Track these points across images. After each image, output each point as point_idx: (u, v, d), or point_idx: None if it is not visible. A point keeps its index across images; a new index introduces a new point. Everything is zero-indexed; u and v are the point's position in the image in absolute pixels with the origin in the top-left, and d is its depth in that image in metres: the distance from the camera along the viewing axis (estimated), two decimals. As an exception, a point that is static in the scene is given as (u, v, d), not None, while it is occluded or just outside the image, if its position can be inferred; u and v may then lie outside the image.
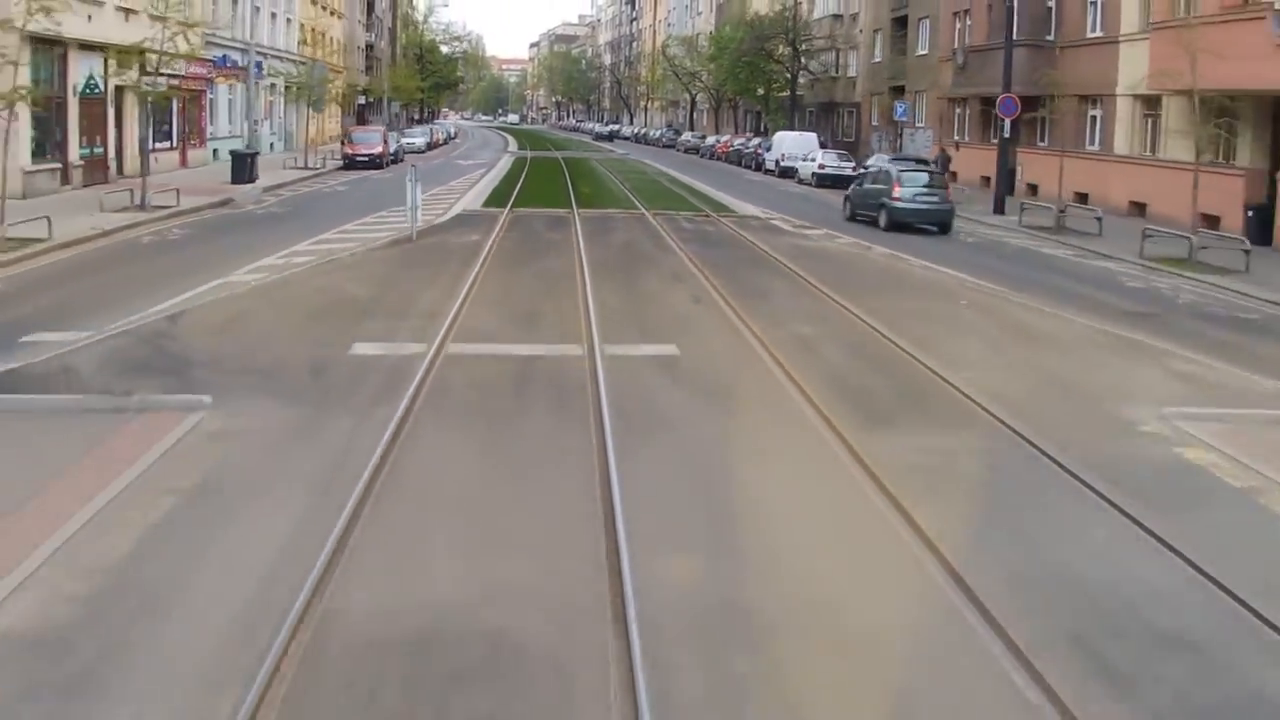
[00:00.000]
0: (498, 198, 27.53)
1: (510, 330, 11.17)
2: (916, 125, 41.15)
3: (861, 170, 30.54)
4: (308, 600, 4.86)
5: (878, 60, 46.92)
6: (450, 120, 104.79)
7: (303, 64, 42.25)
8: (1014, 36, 28.83)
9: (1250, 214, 22.06)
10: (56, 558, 5.43)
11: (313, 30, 51.12)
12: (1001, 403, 8.65)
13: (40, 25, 17.71)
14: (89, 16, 25.12)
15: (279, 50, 44.09)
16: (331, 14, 58.12)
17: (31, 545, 5.51)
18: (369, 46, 71.92)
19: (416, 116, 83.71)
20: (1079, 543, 6.20)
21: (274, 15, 44.79)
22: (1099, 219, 23.51)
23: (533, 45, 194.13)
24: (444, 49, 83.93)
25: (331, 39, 57.71)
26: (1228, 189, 22.59)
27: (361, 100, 67.71)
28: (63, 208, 19.64)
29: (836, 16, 51.59)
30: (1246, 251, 18.51)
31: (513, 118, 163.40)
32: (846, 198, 26.16)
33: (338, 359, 9.74)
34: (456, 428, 7.90)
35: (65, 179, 25.34)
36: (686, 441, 7.75)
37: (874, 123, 46.92)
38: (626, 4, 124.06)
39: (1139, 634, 5.10)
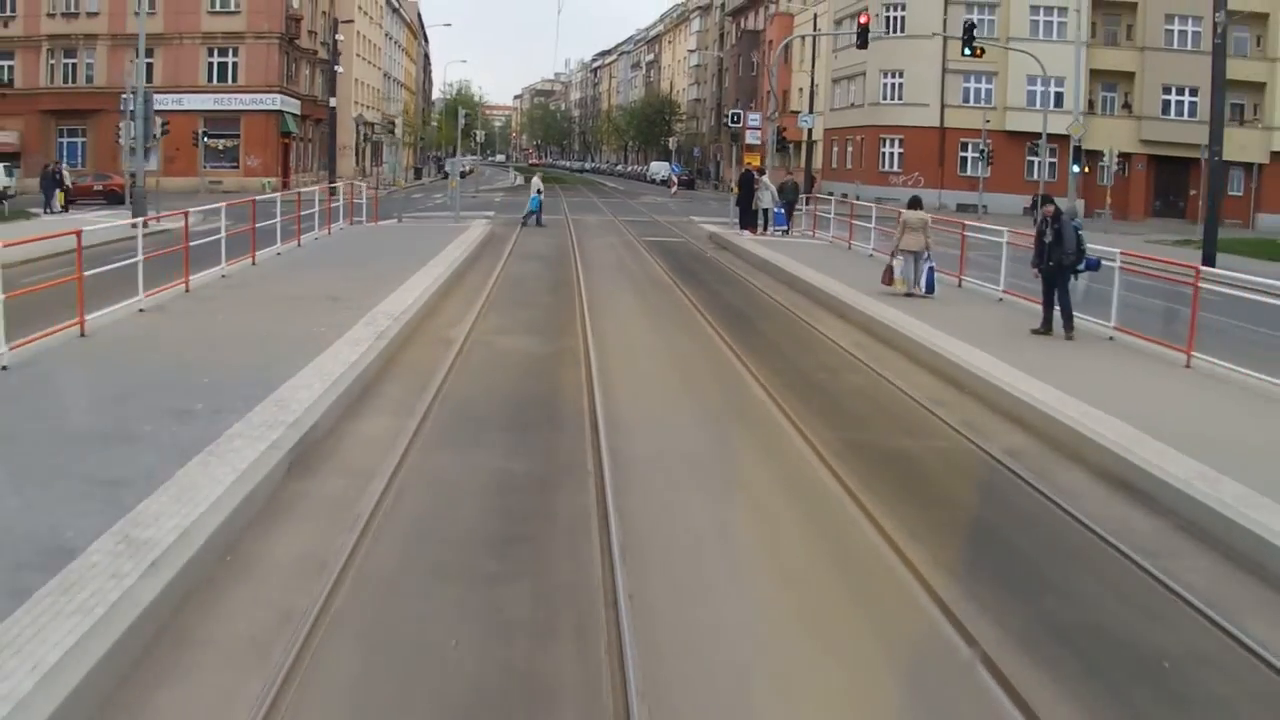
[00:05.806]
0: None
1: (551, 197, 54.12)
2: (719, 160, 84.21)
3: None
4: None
5: (713, 124, 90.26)
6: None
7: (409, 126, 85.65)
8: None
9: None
10: (498, 197, 48.31)
11: (406, 105, 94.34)
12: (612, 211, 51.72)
13: (358, 112, 61.56)
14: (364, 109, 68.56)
15: (394, 114, 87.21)
16: (410, 92, 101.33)
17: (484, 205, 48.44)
18: (423, 110, 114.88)
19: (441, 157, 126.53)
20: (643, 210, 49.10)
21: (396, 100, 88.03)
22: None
23: (516, 97, 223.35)
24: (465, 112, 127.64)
25: (409, 108, 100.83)
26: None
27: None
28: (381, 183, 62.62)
29: (695, 100, 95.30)
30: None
31: (499, 158, 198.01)
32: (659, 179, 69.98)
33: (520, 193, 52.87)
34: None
35: (363, 174, 68.52)
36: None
37: (711, 158, 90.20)
38: (590, 72, 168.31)
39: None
